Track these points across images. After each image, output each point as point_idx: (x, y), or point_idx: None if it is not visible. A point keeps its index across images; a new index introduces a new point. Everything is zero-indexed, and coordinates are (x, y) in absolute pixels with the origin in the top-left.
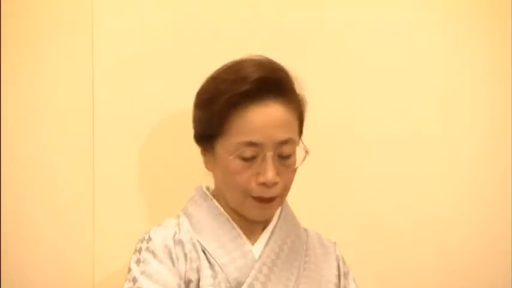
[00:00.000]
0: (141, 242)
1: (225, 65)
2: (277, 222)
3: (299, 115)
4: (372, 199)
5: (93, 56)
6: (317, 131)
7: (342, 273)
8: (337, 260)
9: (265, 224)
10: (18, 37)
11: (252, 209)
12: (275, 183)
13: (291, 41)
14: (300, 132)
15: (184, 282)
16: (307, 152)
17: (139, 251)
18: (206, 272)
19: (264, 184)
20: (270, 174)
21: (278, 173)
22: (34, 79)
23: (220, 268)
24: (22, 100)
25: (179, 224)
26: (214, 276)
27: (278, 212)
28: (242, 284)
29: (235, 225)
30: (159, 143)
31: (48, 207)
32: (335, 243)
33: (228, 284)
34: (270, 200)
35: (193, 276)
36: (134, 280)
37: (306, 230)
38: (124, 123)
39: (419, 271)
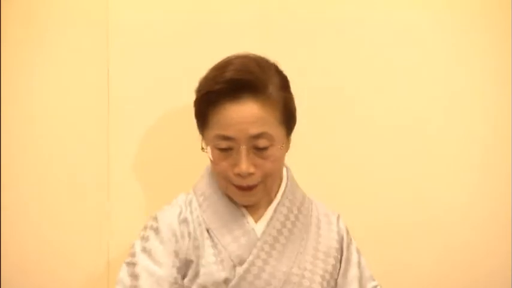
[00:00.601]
0: (149, 220)
1: (216, 64)
2: (280, 200)
3: (280, 113)
4: (374, 195)
5: (108, 50)
6: (322, 126)
7: (345, 245)
8: (340, 232)
9: (269, 199)
10: (32, 33)
11: (235, 195)
12: (250, 174)
13: (297, 37)
14: (287, 125)
15: (185, 262)
16: (282, 146)
17: (145, 228)
18: (209, 250)
19: (239, 174)
20: (242, 166)
21: (255, 164)
22: (49, 74)
23: (223, 247)
24: (37, 95)
25: (188, 201)
26: (217, 254)
27: (282, 188)
28: (244, 261)
29: (239, 204)
30: (173, 134)
31: (64, 191)
32: (338, 215)
33: (231, 262)
34: (249, 188)
35: (194, 256)
36: (134, 255)
37: (311, 203)
38: (139, 115)
39: (420, 265)
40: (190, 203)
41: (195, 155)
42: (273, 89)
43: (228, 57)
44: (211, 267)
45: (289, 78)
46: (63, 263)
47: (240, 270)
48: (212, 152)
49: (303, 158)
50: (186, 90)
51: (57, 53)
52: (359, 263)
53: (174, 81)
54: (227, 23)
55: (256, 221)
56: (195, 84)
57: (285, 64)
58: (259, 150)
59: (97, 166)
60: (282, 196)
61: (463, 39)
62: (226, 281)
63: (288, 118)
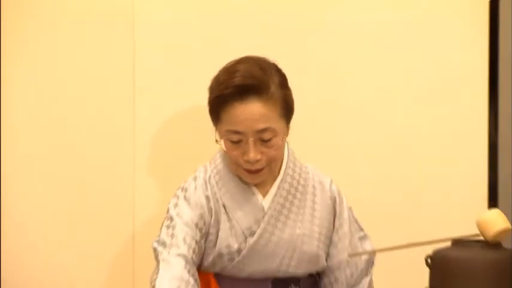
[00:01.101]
0: (180, 190)
1: (225, 66)
2: (282, 177)
3: (281, 108)
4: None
5: (134, 45)
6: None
7: (337, 206)
8: (333, 195)
9: (274, 176)
10: (59, 29)
11: (245, 177)
12: (257, 161)
13: (298, 39)
14: (287, 117)
15: (205, 233)
16: (284, 136)
17: (178, 197)
18: (225, 224)
19: (248, 161)
20: (251, 155)
21: (261, 152)
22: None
23: (236, 221)
24: (70, 85)
25: (208, 178)
26: (232, 227)
27: (284, 166)
28: (254, 233)
29: (248, 183)
30: (193, 119)
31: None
32: (331, 180)
33: (243, 234)
34: (256, 171)
35: (214, 229)
36: (171, 219)
37: (308, 173)
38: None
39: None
40: (209, 179)
41: (211, 140)
42: (274, 88)
43: (235, 62)
44: (227, 239)
45: (288, 74)
46: (93, 233)
47: (250, 241)
48: (225, 143)
49: (303, 147)
50: (205, 83)
51: (84, 50)
52: (349, 219)
53: (194, 75)
54: (238, 23)
55: (264, 194)
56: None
57: (283, 62)
58: (264, 141)
59: (123, 152)
60: (284, 173)
61: (444, 41)
62: (239, 250)
63: (287, 111)
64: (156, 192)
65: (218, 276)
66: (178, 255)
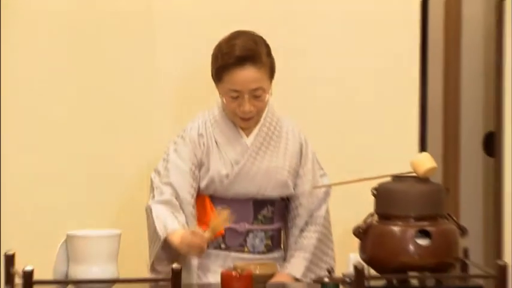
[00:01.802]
0: (179, 133)
1: (227, 36)
2: (263, 122)
3: (268, 72)
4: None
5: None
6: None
7: (303, 149)
8: (300, 141)
9: (257, 121)
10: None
11: (239, 122)
12: (250, 111)
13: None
14: (271, 78)
15: (199, 162)
16: (271, 93)
17: (177, 137)
18: (216, 155)
19: (243, 112)
20: (246, 107)
21: (253, 105)
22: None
23: (225, 153)
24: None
25: (204, 121)
26: (221, 158)
27: (264, 115)
28: (239, 162)
29: (237, 126)
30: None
31: None
32: (299, 129)
33: (230, 163)
34: (248, 118)
35: (205, 160)
36: (168, 154)
37: (283, 122)
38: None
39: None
40: (205, 122)
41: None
42: (264, 57)
43: (232, 36)
44: (218, 167)
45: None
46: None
47: (236, 168)
48: (226, 98)
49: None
50: None
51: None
52: (313, 160)
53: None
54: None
55: (247, 136)
56: None
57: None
58: (256, 97)
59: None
60: (264, 120)
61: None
62: (227, 175)
63: (272, 74)
64: None
65: (211, 197)
66: (167, 183)
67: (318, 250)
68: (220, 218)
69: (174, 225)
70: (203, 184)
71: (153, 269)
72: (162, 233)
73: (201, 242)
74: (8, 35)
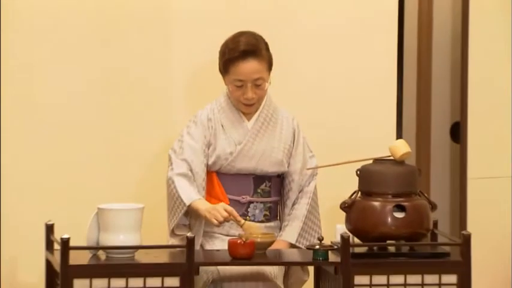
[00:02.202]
0: (191, 118)
1: (232, 36)
2: (261, 109)
3: (267, 64)
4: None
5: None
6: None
7: (296, 134)
8: (293, 127)
9: (258, 108)
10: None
11: (243, 108)
12: (252, 98)
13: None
14: (270, 69)
15: (208, 142)
16: (269, 82)
17: (189, 122)
18: (222, 136)
19: (246, 98)
20: (249, 94)
21: (254, 93)
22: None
23: (229, 135)
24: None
25: (212, 109)
26: (226, 138)
27: (263, 103)
28: (241, 143)
29: (240, 112)
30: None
31: None
32: (293, 117)
33: (234, 143)
34: (251, 105)
35: (213, 140)
36: (182, 135)
37: (279, 110)
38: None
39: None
40: (213, 109)
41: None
42: (263, 51)
43: (237, 34)
44: (223, 146)
45: None
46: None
47: (238, 147)
48: (231, 87)
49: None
50: None
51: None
52: (303, 143)
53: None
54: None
55: (248, 121)
56: None
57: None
58: (257, 86)
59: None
60: (262, 108)
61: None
62: (231, 153)
63: (270, 66)
64: None
65: (217, 173)
66: (183, 159)
67: (308, 219)
68: (254, 227)
69: (197, 195)
70: (211, 161)
71: (173, 233)
72: (186, 200)
73: (222, 214)
74: (22, 28)
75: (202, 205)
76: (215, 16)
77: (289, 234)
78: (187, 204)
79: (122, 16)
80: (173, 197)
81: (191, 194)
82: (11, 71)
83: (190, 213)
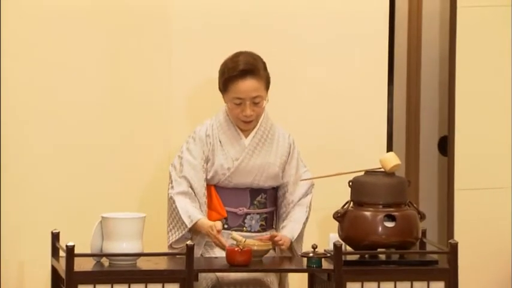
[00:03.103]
0: (191, 134)
1: (231, 56)
2: (259, 127)
3: (265, 83)
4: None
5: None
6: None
7: (291, 150)
8: (289, 143)
9: (255, 125)
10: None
11: (241, 125)
12: (250, 115)
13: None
14: (267, 88)
15: (206, 158)
16: (267, 100)
17: (189, 138)
18: (220, 152)
19: (245, 116)
20: (247, 112)
21: (252, 110)
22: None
23: (227, 151)
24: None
25: (211, 124)
26: (224, 154)
27: (260, 120)
28: (238, 159)
29: (238, 128)
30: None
31: None
32: (289, 134)
33: (231, 159)
34: (249, 122)
35: (211, 156)
36: (182, 152)
37: (276, 128)
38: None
39: None
40: (212, 125)
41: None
42: (261, 71)
43: (235, 54)
44: (221, 161)
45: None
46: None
47: (235, 163)
48: (230, 105)
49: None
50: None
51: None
52: (297, 159)
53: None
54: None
55: (246, 137)
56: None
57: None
58: (255, 104)
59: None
60: (260, 125)
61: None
62: (228, 169)
63: (267, 85)
64: None
65: (216, 186)
66: (183, 177)
67: (304, 226)
68: (264, 244)
69: (199, 214)
70: (209, 176)
71: (171, 246)
72: (188, 222)
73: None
74: (15, 35)
75: (206, 226)
76: (215, 33)
77: (291, 231)
78: (189, 226)
79: (123, 31)
80: (175, 216)
81: (192, 215)
82: (11, 79)
83: (192, 229)
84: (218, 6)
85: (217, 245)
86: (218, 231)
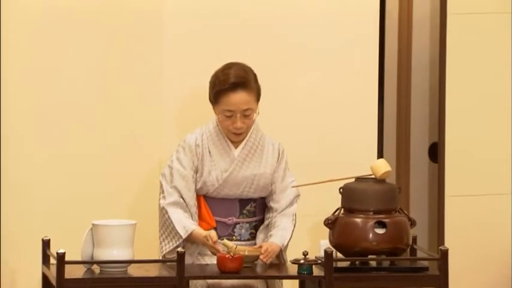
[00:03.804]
0: (180, 143)
1: (222, 67)
2: (248, 138)
3: (256, 95)
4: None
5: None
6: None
7: (279, 158)
8: (279, 152)
9: (245, 137)
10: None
11: (232, 136)
12: (241, 128)
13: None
14: (258, 100)
15: (196, 168)
16: (258, 112)
17: (178, 147)
18: (209, 163)
19: (235, 128)
20: (238, 124)
21: (243, 122)
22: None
23: (216, 162)
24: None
25: (201, 134)
26: (213, 165)
27: (250, 132)
28: (227, 170)
29: (227, 139)
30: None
31: None
32: (279, 143)
33: (220, 170)
34: (239, 134)
35: (200, 166)
36: (172, 161)
37: (265, 138)
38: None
39: None
40: (202, 135)
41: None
42: (252, 83)
43: (226, 66)
44: (210, 172)
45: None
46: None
47: (224, 175)
48: (221, 117)
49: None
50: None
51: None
52: (285, 168)
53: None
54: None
55: (235, 148)
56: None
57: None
58: (245, 116)
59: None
60: (249, 136)
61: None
62: (217, 180)
63: (258, 97)
64: None
65: (205, 197)
66: (173, 187)
67: (291, 236)
68: (255, 250)
69: (192, 224)
70: (198, 186)
71: (164, 257)
72: (183, 233)
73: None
74: (12, 39)
75: (201, 236)
76: (207, 41)
77: (280, 239)
78: (184, 237)
79: (112, 41)
80: (168, 227)
81: (187, 225)
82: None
83: (186, 239)
84: (210, 13)
85: (214, 254)
86: (214, 242)
